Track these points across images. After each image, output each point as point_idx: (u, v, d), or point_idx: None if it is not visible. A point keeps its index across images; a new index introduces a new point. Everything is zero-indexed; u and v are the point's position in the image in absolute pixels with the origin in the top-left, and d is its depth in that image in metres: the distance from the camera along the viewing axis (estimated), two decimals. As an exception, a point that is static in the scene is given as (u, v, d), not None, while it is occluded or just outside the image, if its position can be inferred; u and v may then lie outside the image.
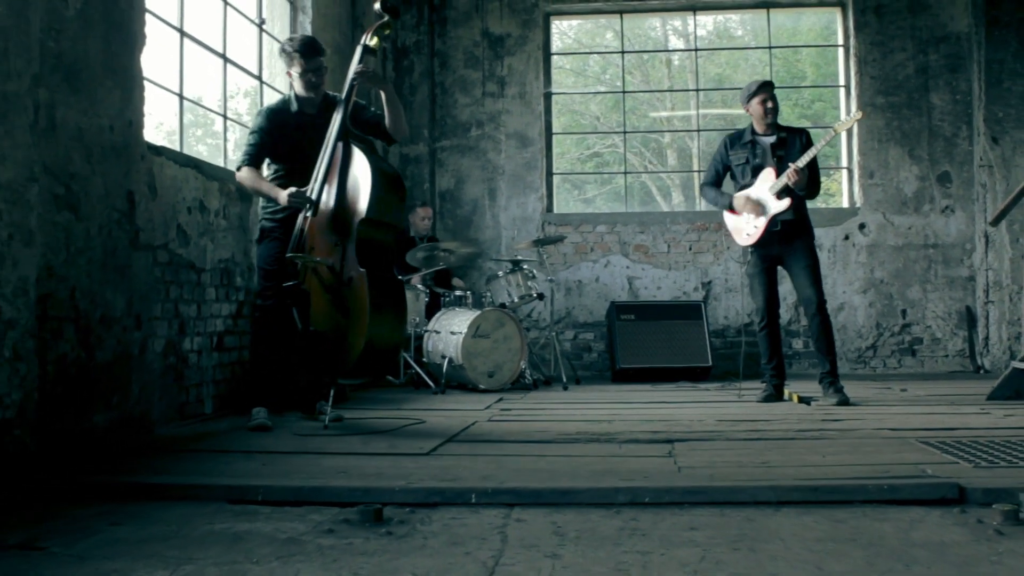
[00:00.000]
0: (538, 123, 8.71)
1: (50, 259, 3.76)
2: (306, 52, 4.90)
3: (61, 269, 3.88)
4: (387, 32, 4.95)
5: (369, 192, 4.58)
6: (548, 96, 8.85)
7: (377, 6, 4.86)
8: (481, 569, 2.31)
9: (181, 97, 5.48)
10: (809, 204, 5.96)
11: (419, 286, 7.46)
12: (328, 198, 4.69)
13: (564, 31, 13.74)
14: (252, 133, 4.94)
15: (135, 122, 4.57)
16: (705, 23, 13.28)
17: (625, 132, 9.67)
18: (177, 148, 5.32)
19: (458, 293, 7.44)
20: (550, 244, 7.83)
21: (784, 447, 4.04)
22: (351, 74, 4.84)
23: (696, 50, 9.04)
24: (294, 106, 5.00)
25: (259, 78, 6.74)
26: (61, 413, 3.85)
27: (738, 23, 15.09)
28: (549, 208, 8.82)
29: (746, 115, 6.08)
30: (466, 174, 8.72)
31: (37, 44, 3.64)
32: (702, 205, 11.88)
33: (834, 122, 5.83)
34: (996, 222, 6.78)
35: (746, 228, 5.94)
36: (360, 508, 2.88)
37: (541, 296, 7.32)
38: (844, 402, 5.67)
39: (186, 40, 5.55)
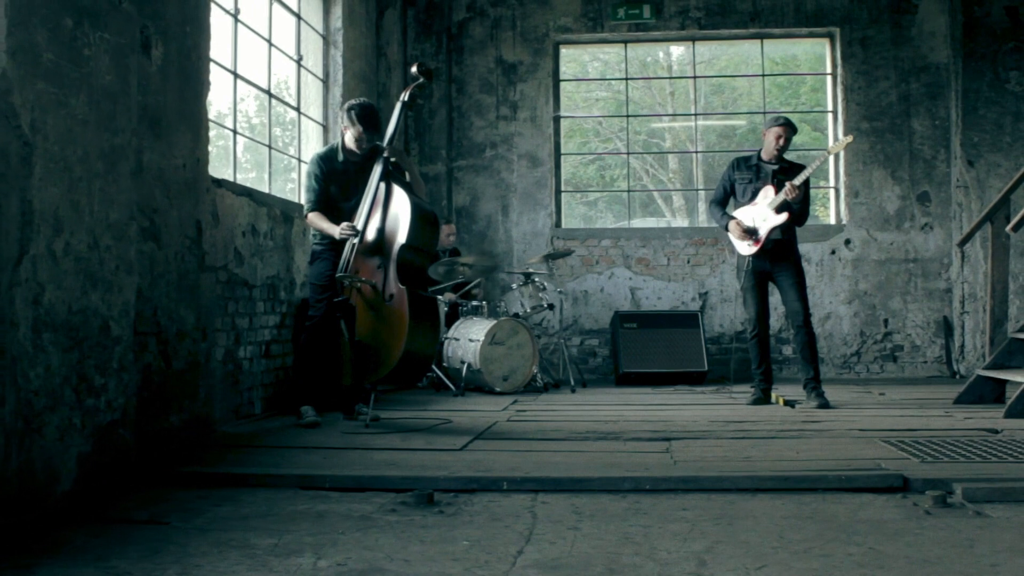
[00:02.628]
0: (548, 144, 9.38)
1: (140, 283, 4.43)
2: (366, 124, 5.57)
3: (147, 291, 4.54)
4: (422, 90, 5.70)
5: (408, 222, 5.30)
6: (557, 119, 9.51)
7: (414, 69, 5.62)
8: (520, 537, 2.98)
9: (235, 132, 6.14)
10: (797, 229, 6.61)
11: (440, 297, 8.11)
12: (371, 228, 5.40)
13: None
14: (310, 178, 5.70)
15: (202, 159, 5.23)
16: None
17: (628, 153, 10.34)
18: (228, 178, 6.00)
19: (475, 304, 8.09)
20: (559, 258, 8.49)
21: (765, 444, 4.71)
22: (387, 147, 5.58)
23: (695, 77, 9.73)
24: (340, 156, 5.74)
25: (297, 109, 7.40)
26: (147, 414, 4.51)
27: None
28: (558, 223, 9.48)
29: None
30: (481, 192, 9.39)
31: (135, 102, 4.31)
32: (701, 211, 12.51)
33: (827, 146, 6.51)
34: (963, 243, 7.46)
35: (745, 240, 6.58)
36: (415, 492, 3.55)
37: (551, 306, 7.99)
38: (824, 405, 6.33)
39: (223, 70, 6.22)
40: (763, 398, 6.67)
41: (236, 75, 6.17)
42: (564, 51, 9.76)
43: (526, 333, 7.68)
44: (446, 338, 7.93)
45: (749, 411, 6.27)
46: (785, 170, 6.54)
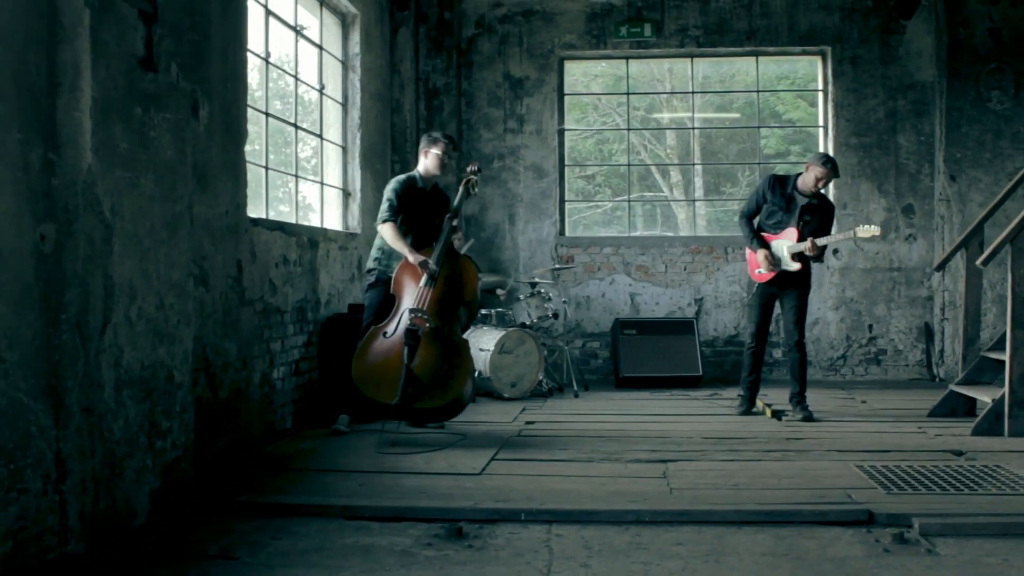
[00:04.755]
0: (553, 156, 9.87)
1: (193, 326, 4.95)
2: (448, 139, 6.60)
3: (198, 332, 5.07)
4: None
5: (475, 282, 6.31)
6: (561, 132, 9.99)
7: (470, 168, 6.70)
8: (539, 574, 3.53)
9: (267, 168, 6.64)
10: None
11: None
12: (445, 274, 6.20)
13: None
14: (389, 193, 6.37)
15: (241, 204, 5.74)
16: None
17: (629, 165, 10.84)
18: (263, 212, 6.50)
19: (484, 312, 8.60)
20: (563, 270, 9.04)
21: (752, 468, 5.26)
22: (456, 207, 6.52)
23: (693, 92, 10.21)
24: (419, 182, 6.52)
25: (319, 135, 7.89)
26: (199, 443, 5.05)
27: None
28: (561, 231, 9.99)
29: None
30: (489, 201, 9.89)
31: (189, 166, 4.81)
32: (698, 187, 12.99)
33: (856, 227, 6.95)
34: (940, 268, 8.01)
35: (758, 268, 7.08)
36: (446, 526, 4.11)
37: (556, 315, 8.54)
38: (808, 419, 6.89)
39: (251, 100, 6.70)
40: (749, 408, 7.23)
41: (268, 114, 6.66)
42: (568, 66, 10.21)
43: (532, 342, 8.22)
44: (458, 346, 8.46)
45: (739, 424, 6.82)
46: (815, 207, 6.93)
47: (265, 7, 6.62)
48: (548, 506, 4.42)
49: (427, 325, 5.97)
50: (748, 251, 7.21)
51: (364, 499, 4.60)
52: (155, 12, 4.39)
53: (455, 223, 6.34)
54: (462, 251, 6.51)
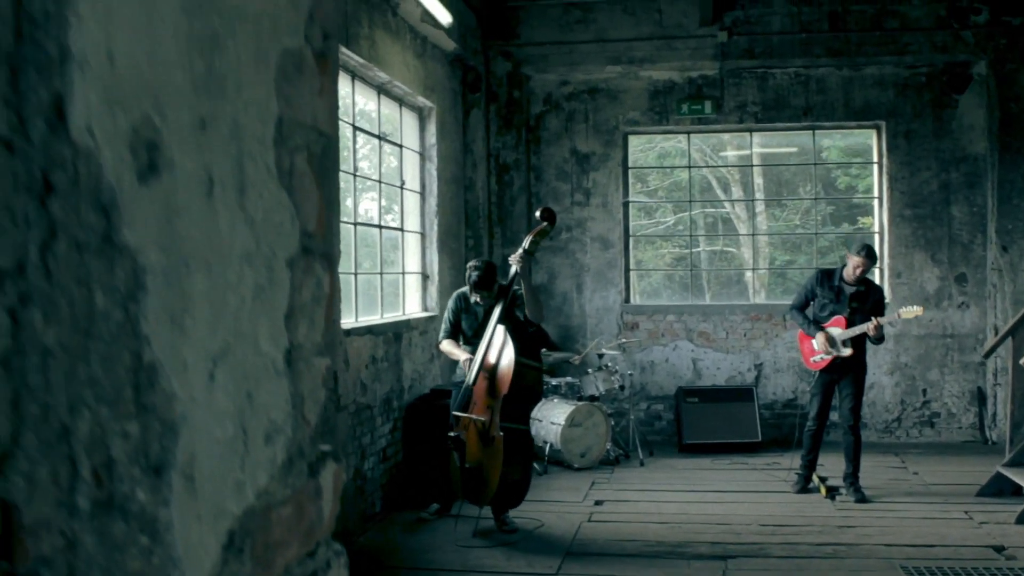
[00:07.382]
0: (618, 228, 10.40)
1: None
2: (478, 287, 6.53)
3: (304, 446, 5.72)
4: (546, 236, 6.50)
5: (511, 375, 6.25)
6: (626, 205, 10.52)
7: (538, 213, 6.49)
8: None
9: (355, 275, 7.28)
10: None
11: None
12: (484, 371, 6.38)
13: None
14: (447, 311, 6.77)
15: (336, 321, 6.36)
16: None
17: (691, 235, 11.32)
18: (353, 317, 7.14)
19: (554, 383, 9.17)
20: (629, 344, 9.60)
21: (805, 570, 5.75)
22: (513, 270, 6.42)
23: (752, 166, 10.67)
24: (472, 298, 6.69)
25: (400, 229, 8.53)
26: (306, 545, 5.70)
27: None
28: (627, 300, 10.52)
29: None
30: (557, 271, 10.46)
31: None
32: (758, 203, 13.40)
33: (900, 309, 7.51)
34: (988, 355, 8.37)
35: (813, 356, 7.58)
36: (528, 644, 4.69)
37: (623, 388, 9.08)
38: (861, 500, 7.34)
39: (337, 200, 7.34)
40: (805, 485, 7.71)
41: (356, 224, 7.30)
42: (632, 140, 10.73)
43: (600, 415, 8.77)
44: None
45: (794, 507, 7.29)
46: (863, 294, 7.45)
47: (352, 125, 7.27)
48: (617, 620, 4.99)
49: (463, 432, 6.39)
50: (800, 342, 7.69)
51: (454, 608, 5.21)
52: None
53: (508, 304, 6.32)
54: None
